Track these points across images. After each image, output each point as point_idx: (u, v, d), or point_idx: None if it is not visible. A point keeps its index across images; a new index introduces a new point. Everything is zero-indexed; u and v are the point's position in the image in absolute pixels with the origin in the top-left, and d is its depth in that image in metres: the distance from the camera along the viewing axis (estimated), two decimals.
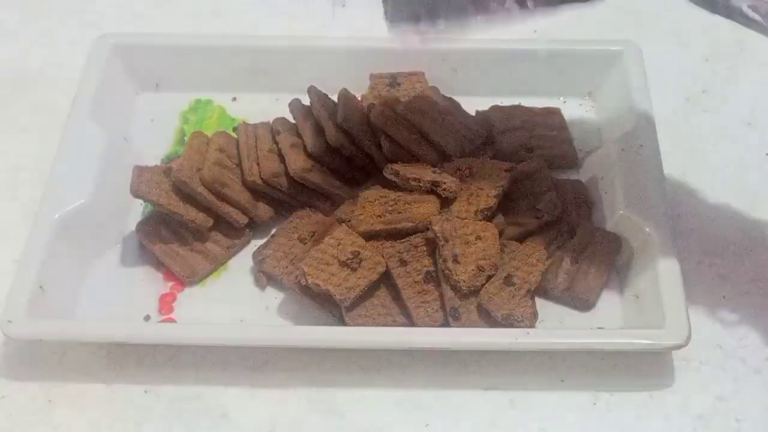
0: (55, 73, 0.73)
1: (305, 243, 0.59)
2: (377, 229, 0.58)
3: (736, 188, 0.65)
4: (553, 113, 0.67)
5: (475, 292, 0.56)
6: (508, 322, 0.55)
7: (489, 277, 0.56)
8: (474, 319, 0.55)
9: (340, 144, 0.60)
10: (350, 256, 0.55)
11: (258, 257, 0.60)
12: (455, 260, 0.55)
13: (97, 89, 0.65)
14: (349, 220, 0.59)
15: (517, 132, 0.66)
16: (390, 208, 0.59)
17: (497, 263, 0.56)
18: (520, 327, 0.55)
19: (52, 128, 0.66)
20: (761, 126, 0.69)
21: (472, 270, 0.55)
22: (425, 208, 0.58)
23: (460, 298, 0.55)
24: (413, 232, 0.57)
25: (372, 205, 0.59)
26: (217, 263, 0.61)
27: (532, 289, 0.56)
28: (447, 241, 0.56)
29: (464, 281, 0.55)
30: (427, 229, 0.57)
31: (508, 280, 0.56)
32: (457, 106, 0.67)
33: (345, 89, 0.63)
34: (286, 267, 0.58)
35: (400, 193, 0.59)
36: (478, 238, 0.56)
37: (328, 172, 0.61)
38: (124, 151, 0.65)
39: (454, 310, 0.55)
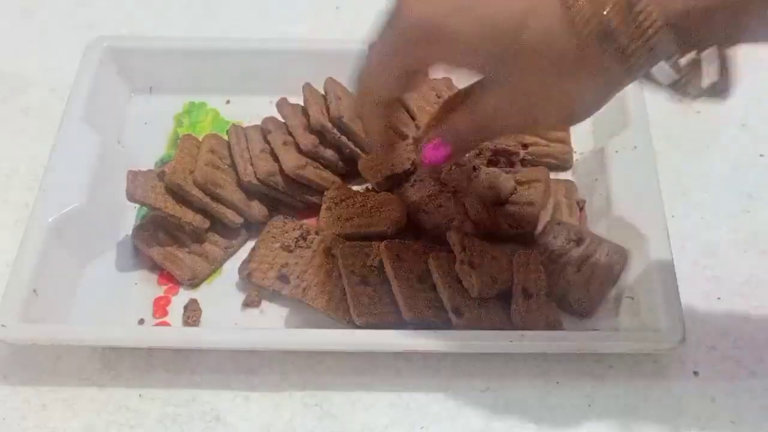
0: (49, 76, 0.72)
1: (291, 251, 0.59)
2: (347, 232, 0.58)
3: (730, 189, 0.65)
4: None
5: (483, 300, 0.56)
6: (551, 327, 0.55)
7: (501, 291, 0.56)
8: (476, 316, 0.55)
9: (321, 126, 0.60)
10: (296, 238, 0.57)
11: (244, 272, 0.59)
12: (471, 265, 0.55)
13: (90, 92, 0.65)
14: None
15: None
16: (357, 211, 0.59)
17: (509, 279, 0.56)
18: (557, 329, 0.55)
19: (45, 131, 0.66)
20: (755, 127, 0.69)
21: (486, 279, 0.55)
22: (392, 213, 0.59)
23: (464, 299, 0.55)
24: (382, 236, 0.58)
25: (339, 207, 0.59)
26: (217, 264, 0.61)
27: (548, 290, 0.56)
28: (464, 249, 0.56)
29: (476, 286, 0.55)
30: (396, 234, 0.58)
31: (526, 292, 0.56)
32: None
33: (331, 78, 0.63)
34: (275, 277, 0.58)
35: (365, 194, 0.60)
36: (494, 258, 0.56)
37: (322, 167, 0.62)
38: (117, 155, 0.65)
39: (457, 309, 0.55)
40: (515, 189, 0.61)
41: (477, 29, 0.45)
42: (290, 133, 0.62)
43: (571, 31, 0.44)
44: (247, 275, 0.59)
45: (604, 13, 0.43)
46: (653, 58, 0.44)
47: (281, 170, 0.60)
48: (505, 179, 0.61)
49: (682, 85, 0.45)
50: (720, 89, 0.46)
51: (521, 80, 0.46)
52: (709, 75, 0.45)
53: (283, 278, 0.58)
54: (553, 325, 0.55)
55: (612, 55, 0.44)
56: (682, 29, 0.43)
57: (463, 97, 0.51)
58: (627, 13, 0.42)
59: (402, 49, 0.48)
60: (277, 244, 0.60)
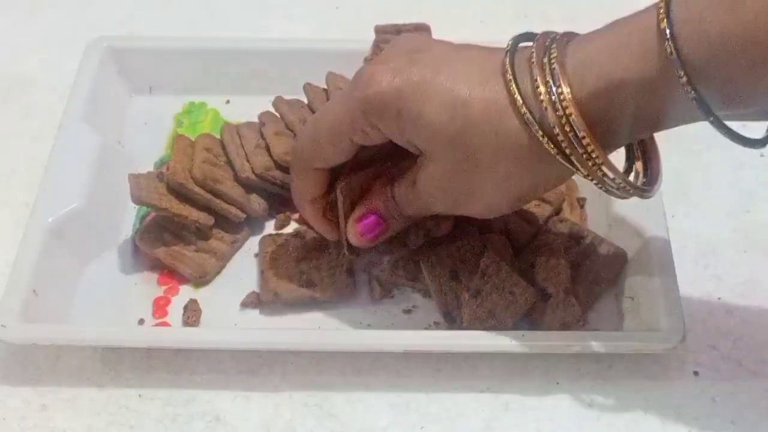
0: (49, 76, 0.72)
1: (303, 258, 0.59)
2: None
3: (731, 189, 0.65)
4: None
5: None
6: (568, 327, 0.55)
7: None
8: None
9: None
10: None
11: (268, 296, 0.58)
12: (475, 295, 0.55)
13: (90, 92, 0.65)
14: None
15: None
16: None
17: (509, 327, 0.55)
18: (575, 329, 0.55)
19: (45, 131, 0.66)
20: (756, 127, 0.68)
21: (482, 314, 0.55)
22: None
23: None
24: None
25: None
26: (225, 259, 0.61)
27: (568, 286, 0.56)
28: (483, 276, 0.55)
29: (465, 320, 0.55)
30: None
31: (544, 293, 0.56)
32: None
33: (331, 72, 0.64)
34: (301, 287, 0.58)
35: None
36: (512, 293, 0.55)
37: None
38: (117, 155, 0.65)
39: (448, 314, 0.55)
40: None
41: (435, 110, 0.46)
42: (287, 128, 0.62)
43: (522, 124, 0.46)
44: (273, 297, 0.58)
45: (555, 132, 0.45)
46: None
47: (277, 164, 0.61)
48: None
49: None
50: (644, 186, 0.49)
51: (468, 161, 0.47)
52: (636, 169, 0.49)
53: (310, 284, 0.58)
54: (569, 325, 0.55)
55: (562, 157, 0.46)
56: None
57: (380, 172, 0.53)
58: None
59: (356, 119, 0.49)
60: (283, 260, 0.59)
